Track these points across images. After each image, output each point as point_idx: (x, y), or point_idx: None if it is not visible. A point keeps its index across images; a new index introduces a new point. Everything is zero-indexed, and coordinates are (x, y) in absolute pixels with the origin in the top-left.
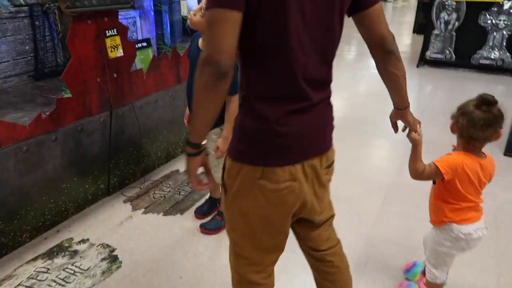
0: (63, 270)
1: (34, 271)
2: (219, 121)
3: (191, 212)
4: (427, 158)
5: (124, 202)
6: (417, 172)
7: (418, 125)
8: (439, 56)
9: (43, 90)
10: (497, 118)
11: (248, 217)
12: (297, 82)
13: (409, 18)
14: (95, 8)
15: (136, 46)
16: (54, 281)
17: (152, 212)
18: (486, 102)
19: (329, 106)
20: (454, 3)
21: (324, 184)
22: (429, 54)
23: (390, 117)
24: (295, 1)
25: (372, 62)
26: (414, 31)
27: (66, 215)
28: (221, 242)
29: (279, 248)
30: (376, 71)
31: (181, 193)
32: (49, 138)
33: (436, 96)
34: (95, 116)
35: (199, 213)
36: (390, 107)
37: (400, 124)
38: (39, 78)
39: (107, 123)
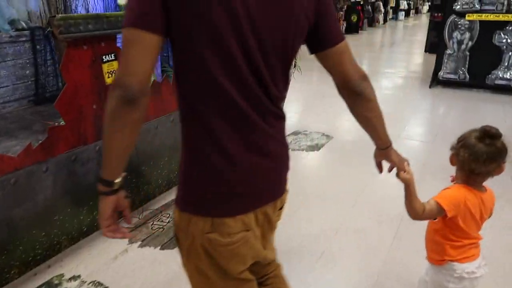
0: None
1: None
2: None
3: None
4: (442, 186)
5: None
6: (416, 212)
7: (406, 163)
8: (452, 76)
9: (43, 115)
10: (501, 152)
11: (206, 276)
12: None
13: (421, 37)
14: (91, 33)
15: None
16: None
17: (149, 245)
18: (489, 135)
19: (285, 146)
20: (467, 22)
21: (274, 228)
22: (442, 74)
23: (374, 156)
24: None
25: (383, 83)
26: (425, 50)
27: (59, 249)
28: None
29: None
30: (388, 92)
31: None
32: (40, 169)
33: (450, 118)
34: (90, 145)
35: None
36: (407, 130)
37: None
38: (40, 103)
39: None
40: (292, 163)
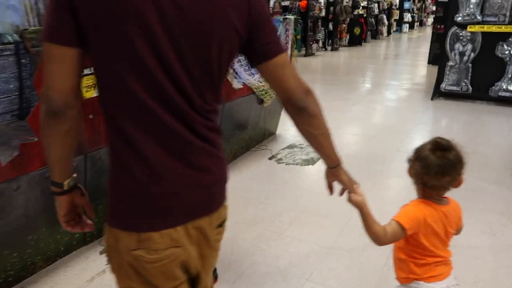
0: None
1: None
2: None
3: None
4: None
5: (101, 253)
6: (377, 237)
7: (356, 186)
8: (455, 88)
9: (25, 130)
10: (454, 165)
11: None
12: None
13: (425, 49)
14: None
15: None
16: None
17: None
18: (440, 147)
19: (219, 158)
20: (469, 34)
21: (213, 246)
22: (444, 86)
23: (325, 176)
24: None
25: (386, 95)
26: (429, 62)
27: (33, 269)
28: None
29: None
30: (391, 104)
31: None
32: (10, 187)
33: (452, 130)
34: None
35: None
36: (406, 143)
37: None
38: (24, 117)
39: (81, 168)
40: (286, 178)
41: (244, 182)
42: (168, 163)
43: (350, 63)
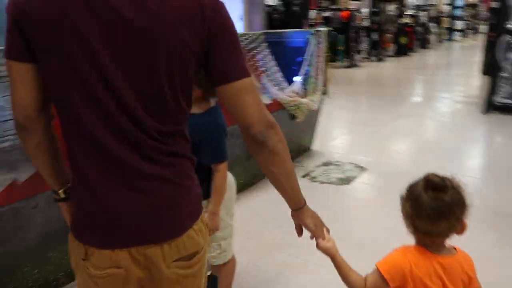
0: None
1: None
2: (208, 192)
3: None
4: (499, 236)
5: None
6: (355, 287)
7: (325, 230)
8: (509, 101)
9: None
10: (451, 208)
11: None
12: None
13: (478, 58)
14: None
15: None
16: None
17: None
18: (432, 186)
19: (176, 184)
20: None
21: (175, 281)
22: (497, 99)
23: (292, 217)
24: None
25: (437, 108)
26: (483, 73)
27: (55, 286)
28: None
29: None
30: (442, 119)
31: None
32: (28, 205)
33: (508, 150)
34: None
35: None
36: (454, 163)
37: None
38: None
39: None
40: (318, 198)
41: (272, 202)
42: (106, 185)
43: (396, 74)
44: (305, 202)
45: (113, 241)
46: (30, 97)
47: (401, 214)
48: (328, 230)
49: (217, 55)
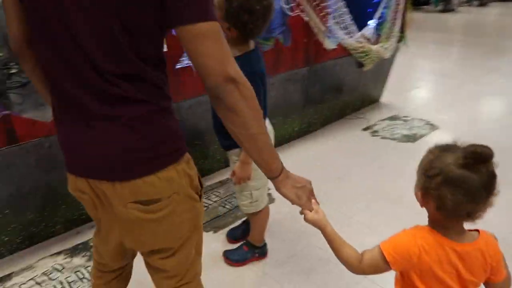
0: (75, 272)
1: (51, 266)
2: None
3: (225, 231)
4: None
5: None
6: (349, 263)
7: (314, 201)
8: None
9: None
10: (494, 179)
11: None
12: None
13: None
14: None
15: None
16: (61, 283)
17: None
18: (482, 158)
19: (129, 128)
20: None
21: (130, 220)
22: None
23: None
24: None
25: None
26: None
27: None
28: (242, 278)
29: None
30: None
31: (226, 205)
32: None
33: None
34: None
35: (230, 237)
36: None
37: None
38: None
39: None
40: (375, 154)
41: (325, 153)
42: (71, 123)
43: (500, 22)
44: (281, 171)
45: (74, 169)
46: (19, 29)
47: (420, 203)
48: (316, 201)
49: None
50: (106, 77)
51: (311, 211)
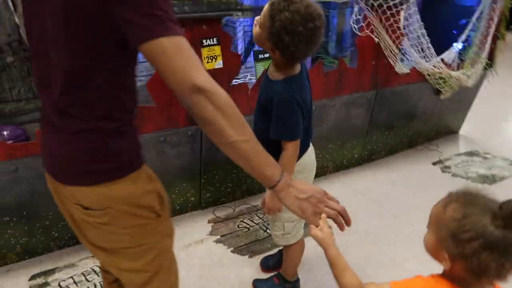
0: None
1: (90, 268)
2: None
3: (261, 257)
4: None
5: (209, 222)
6: None
7: (323, 216)
8: None
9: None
10: None
11: None
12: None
13: None
14: (189, 15)
15: (260, 57)
16: (95, 286)
17: (224, 243)
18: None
19: (77, 141)
20: None
21: (85, 225)
22: None
23: None
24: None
25: None
26: None
27: None
28: None
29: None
30: None
31: (268, 230)
32: None
33: None
34: (181, 129)
35: (264, 265)
36: None
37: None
38: None
39: (196, 138)
40: (442, 192)
41: (384, 185)
42: (44, 129)
43: None
44: (279, 180)
45: (46, 167)
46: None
47: (444, 265)
48: (324, 217)
49: (122, 12)
50: (62, 91)
51: (317, 226)
